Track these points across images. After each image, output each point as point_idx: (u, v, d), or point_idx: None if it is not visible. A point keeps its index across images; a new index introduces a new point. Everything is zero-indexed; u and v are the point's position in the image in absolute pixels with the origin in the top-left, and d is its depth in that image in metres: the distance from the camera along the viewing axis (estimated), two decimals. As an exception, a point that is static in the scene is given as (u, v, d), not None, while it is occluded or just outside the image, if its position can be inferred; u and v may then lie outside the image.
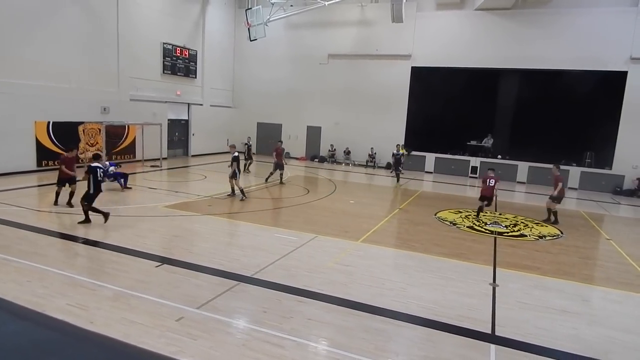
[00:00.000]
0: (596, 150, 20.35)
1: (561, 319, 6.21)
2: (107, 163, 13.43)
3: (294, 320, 5.56)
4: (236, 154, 13.01)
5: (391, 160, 20.46)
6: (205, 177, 17.24)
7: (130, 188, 13.53)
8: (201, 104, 24.09)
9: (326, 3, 21.87)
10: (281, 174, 16.25)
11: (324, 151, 25.13)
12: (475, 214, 12.60)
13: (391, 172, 20.54)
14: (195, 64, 23.32)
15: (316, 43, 24.44)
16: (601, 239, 11.44)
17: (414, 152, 23.07)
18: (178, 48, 21.92)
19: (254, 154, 21.08)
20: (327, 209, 12.58)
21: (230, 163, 13.00)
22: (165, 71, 21.33)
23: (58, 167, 11.24)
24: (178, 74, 22.17)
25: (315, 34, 24.56)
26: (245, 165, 18.39)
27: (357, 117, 23.95)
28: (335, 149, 24.70)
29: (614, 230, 12.66)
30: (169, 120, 21.83)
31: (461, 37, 21.67)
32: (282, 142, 16.95)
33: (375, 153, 23.73)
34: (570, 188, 20.19)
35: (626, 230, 13.48)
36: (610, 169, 19.93)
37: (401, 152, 19.32)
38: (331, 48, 24.19)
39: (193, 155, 23.59)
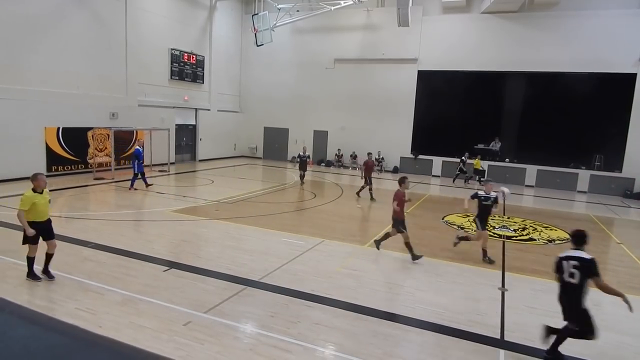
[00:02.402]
0: (605, 153, 20.14)
1: (571, 324, 6.12)
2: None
3: (301, 324, 5.55)
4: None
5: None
6: (213, 181, 17.32)
7: (151, 185, 14.60)
8: (208, 109, 24.25)
9: (332, 8, 21.97)
10: (370, 190, 14.83)
11: (330, 155, 25.14)
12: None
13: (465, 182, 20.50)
14: (203, 69, 23.51)
15: (322, 48, 24.53)
16: (612, 243, 11.29)
17: (420, 156, 22.99)
18: (185, 54, 22.12)
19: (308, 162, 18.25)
20: (334, 213, 12.57)
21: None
22: (172, 77, 21.51)
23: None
24: (185, 79, 22.35)
25: (321, 39, 24.66)
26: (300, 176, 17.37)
27: (364, 121, 23.95)
28: (342, 154, 24.71)
29: (625, 234, 12.50)
30: (176, 125, 22.00)
31: (468, 41, 21.62)
32: (372, 155, 15.82)
33: (382, 157, 23.68)
34: (579, 191, 20.02)
35: (637, 234, 13.31)
36: (620, 172, 19.70)
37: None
38: (337, 53, 24.26)
39: (200, 160, 23.73)
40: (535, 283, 7.70)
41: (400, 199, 8.53)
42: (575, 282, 4.91)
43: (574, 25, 19.74)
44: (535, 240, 10.79)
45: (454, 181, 20.52)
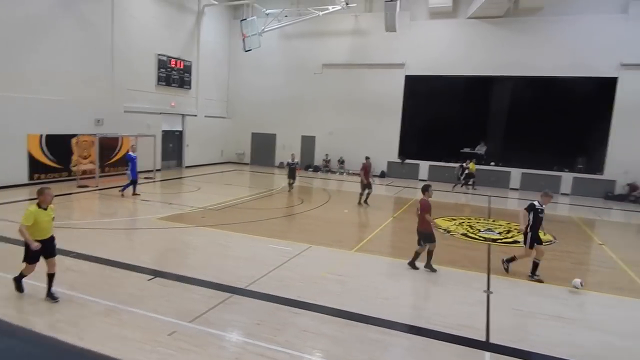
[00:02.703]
0: (588, 156, 20.53)
1: (556, 324, 6.22)
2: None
3: (288, 332, 5.52)
4: None
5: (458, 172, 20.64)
6: (199, 188, 17.20)
7: (138, 194, 14.30)
8: (195, 115, 24.12)
9: (320, 13, 22.09)
10: (367, 194, 14.67)
11: (318, 160, 25.18)
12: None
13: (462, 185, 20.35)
14: (190, 75, 23.38)
15: (310, 53, 24.62)
16: (593, 244, 11.50)
17: (407, 161, 23.15)
18: (173, 59, 21.99)
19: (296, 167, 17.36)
20: (322, 219, 12.58)
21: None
22: (159, 82, 21.36)
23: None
24: (172, 85, 22.20)
25: (309, 44, 24.76)
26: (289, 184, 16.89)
27: (352, 126, 24.04)
28: (329, 159, 24.76)
29: (606, 235, 12.74)
30: (163, 131, 21.82)
31: (454, 46, 21.92)
32: (369, 158, 15.45)
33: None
34: (562, 194, 20.35)
35: (618, 235, 13.59)
36: (602, 174, 20.09)
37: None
38: (325, 58, 24.37)
39: (187, 167, 23.55)
40: (520, 285, 7.79)
41: (428, 209, 8.04)
42: None
43: (558, 30, 20.15)
44: (519, 242, 10.90)
45: (454, 187, 20.13)
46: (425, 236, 8.09)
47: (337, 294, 6.87)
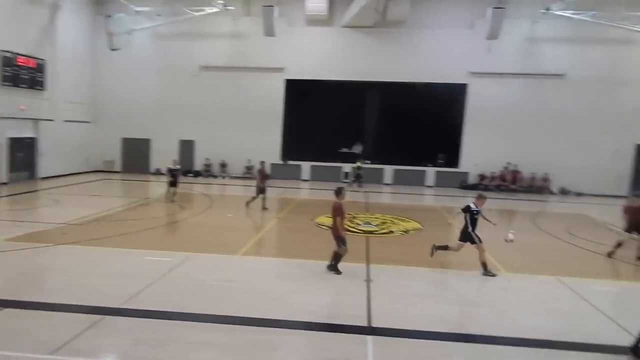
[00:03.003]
0: (447, 152, 23.35)
1: (424, 302, 6.93)
2: None
3: (171, 347, 5.17)
4: None
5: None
6: (59, 201, 15.17)
7: None
8: (52, 120, 21.17)
9: (195, 14, 21.21)
10: (263, 199, 14.30)
11: (199, 165, 24.18)
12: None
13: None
14: (43, 74, 20.42)
15: (187, 54, 23.50)
16: (454, 228, 13.05)
17: (290, 162, 23.55)
18: (20, 57, 18.96)
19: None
20: (204, 225, 12.09)
21: None
22: (4, 82, 18.24)
23: None
24: (21, 85, 19.13)
25: (185, 45, 23.60)
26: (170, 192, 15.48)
27: (233, 129, 23.58)
28: (211, 163, 23.96)
29: (462, 219, 14.59)
30: (9, 138, 18.72)
31: (331, 52, 22.99)
32: (264, 162, 15.05)
33: (252, 165, 23.65)
34: (427, 186, 22.81)
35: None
36: (458, 167, 23.03)
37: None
38: (203, 60, 23.50)
39: (43, 178, 20.56)
40: (395, 271, 8.49)
41: (341, 212, 7.90)
42: None
43: (418, 40, 22.48)
44: (393, 232, 11.92)
45: (350, 185, 21.18)
46: (337, 239, 7.99)
47: (224, 300, 6.68)
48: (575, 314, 6.79)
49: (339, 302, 6.79)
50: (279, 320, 6.01)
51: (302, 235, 11.30)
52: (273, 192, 19.11)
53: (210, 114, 23.69)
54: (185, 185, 20.18)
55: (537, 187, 21.48)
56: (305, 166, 23.81)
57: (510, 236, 8.63)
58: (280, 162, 23.77)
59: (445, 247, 8.94)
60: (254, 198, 14.38)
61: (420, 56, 22.36)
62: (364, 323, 6.08)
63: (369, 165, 22.79)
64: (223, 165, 23.81)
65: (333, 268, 8.08)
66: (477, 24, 21.54)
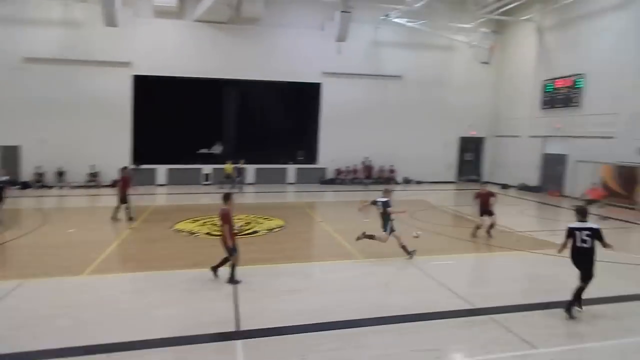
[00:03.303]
0: (306, 149, 24.27)
1: (292, 297, 7.08)
2: None
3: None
4: None
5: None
6: None
7: None
8: None
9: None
10: (127, 210, 12.82)
11: (27, 175, 20.52)
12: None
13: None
14: None
15: (6, 44, 19.66)
16: (315, 223, 13.70)
17: (143, 166, 21.63)
18: None
19: None
20: (37, 246, 10.28)
21: None
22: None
23: None
24: None
25: (3, 33, 19.71)
26: None
27: (72, 131, 20.56)
28: (43, 172, 20.56)
29: (323, 214, 15.42)
30: None
31: (184, 47, 21.69)
32: (127, 168, 13.42)
33: (97, 171, 21.07)
34: (289, 183, 23.42)
35: (331, 211, 16.68)
36: (316, 163, 24.16)
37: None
38: (27, 50, 19.89)
39: None
40: (262, 270, 8.47)
41: (229, 219, 7.51)
42: (588, 246, 6.22)
43: (273, 39, 22.69)
44: (258, 232, 11.90)
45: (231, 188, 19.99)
46: (227, 249, 7.59)
47: (69, 329, 5.78)
48: (420, 289, 7.71)
49: (206, 310, 6.47)
50: (139, 341, 5.46)
51: (160, 245, 10.48)
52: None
53: (41, 115, 20.27)
54: (11, 200, 16.97)
55: (385, 179, 23.85)
56: (161, 169, 22.19)
57: (414, 233, 9.84)
58: (133, 166, 21.71)
59: (371, 237, 9.36)
60: (117, 208, 12.99)
61: (276, 55, 22.71)
62: (232, 328, 5.92)
63: (243, 165, 22.30)
64: (60, 174, 20.66)
65: (216, 270, 7.81)
66: (327, 26, 22.75)
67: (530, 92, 22.84)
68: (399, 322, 6.13)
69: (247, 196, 19.65)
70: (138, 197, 17.89)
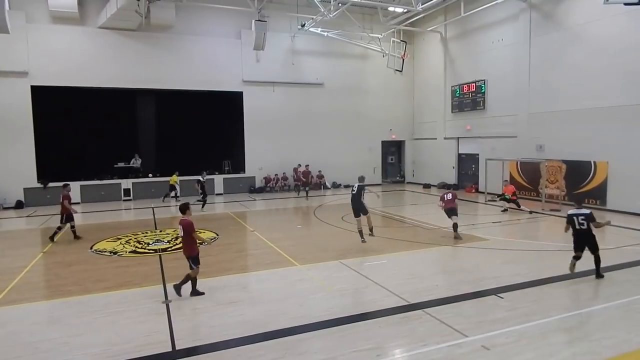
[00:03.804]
0: (232, 159, 23.75)
1: (231, 310, 6.86)
2: None
3: None
4: None
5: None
6: None
7: None
8: None
9: None
10: (72, 228, 12.35)
11: None
12: None
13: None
14: None
15: None
16: (247, 232, 13.44)
17: (51, 184, 19.67)
18: None
19: None
20: None
21: None
22: None
23: None
24: None
25: None
26: None
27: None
28: None
29: (255, 223, 15.16)
30: None
31: (89, 56, 20.12)
32: (69, 185, 12.84)
33: (-4, 192, 18.81)
34: (217, 194, 22.73)
35: (263, 220, 16.47)
36: (245, 172, 23.76)
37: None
38: None
39: None
40: (198, 284, 8.06)
41: (191, 229, 7.49)
42: (585, 228, 7.67)
43: (189, 47, 21.94)
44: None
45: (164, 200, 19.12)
46: (193, 259, 7.54)
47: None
48: (357, 289, 7.89)
49: (137, 333, 6.03)
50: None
51: (77, 268, 9.59)
52: (34, 222, 15.84)
53: None
54: None
55: (315, 184, 24.13)
56: (74, 187, 20.23)
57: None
58: (39, 185, 19.70)
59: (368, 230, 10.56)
60: (59, 228, 12.25)
61: (194, 63, 22.03)
62: (168, 348, 5.59)
63: (150, 179, 21.14)
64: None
65: (179, 289, 7.50)
66: (244, 34, 22.54)
67: (441, 97, 24.60)
68: (340, 325, 6.21)
69: (172, 210, 18.73)
70: (47, 218, 16.35)
